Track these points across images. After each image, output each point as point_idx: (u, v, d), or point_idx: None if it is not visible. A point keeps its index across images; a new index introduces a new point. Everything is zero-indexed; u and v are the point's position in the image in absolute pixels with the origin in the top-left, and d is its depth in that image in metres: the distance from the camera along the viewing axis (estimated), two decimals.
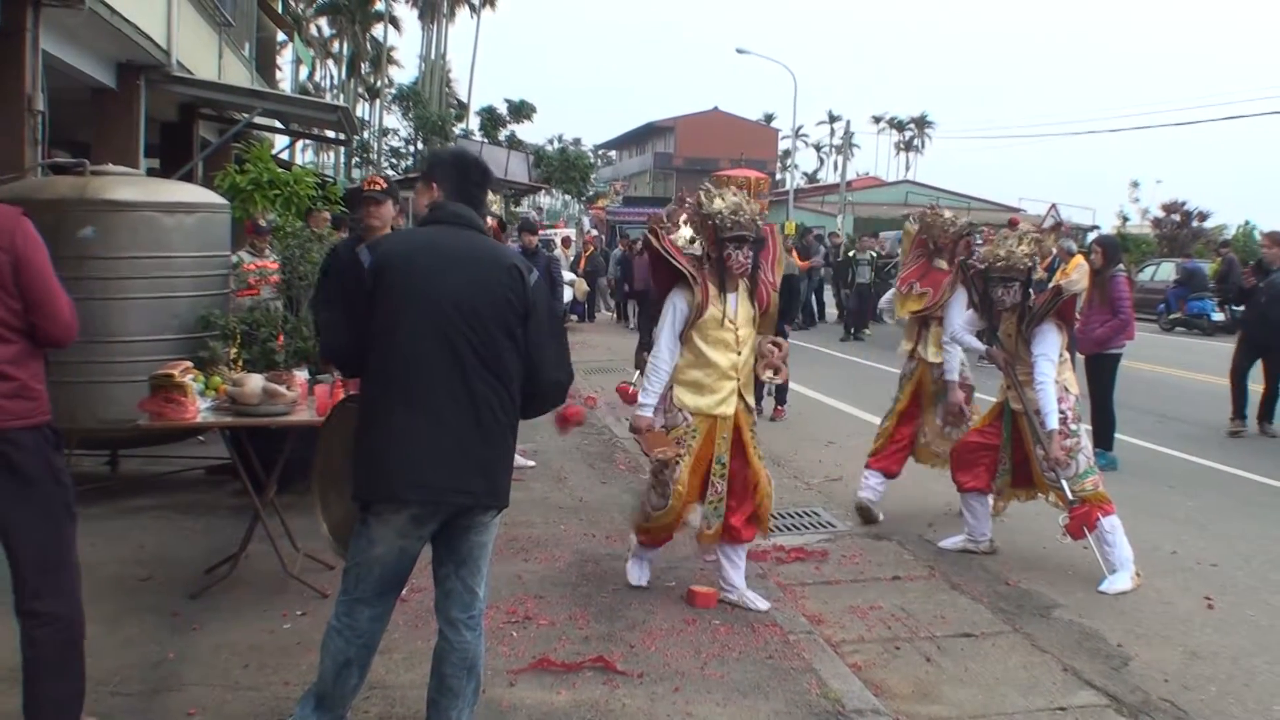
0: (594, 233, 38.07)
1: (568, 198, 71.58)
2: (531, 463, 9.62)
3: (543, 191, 61.12)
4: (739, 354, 6.20)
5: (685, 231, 10.66)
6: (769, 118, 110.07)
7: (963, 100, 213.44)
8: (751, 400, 6.39)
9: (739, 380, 6.23)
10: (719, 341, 6.17)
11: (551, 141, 79.89)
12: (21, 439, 3.85)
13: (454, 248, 4.03)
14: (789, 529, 8.19)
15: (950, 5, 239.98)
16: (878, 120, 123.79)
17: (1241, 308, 14.46)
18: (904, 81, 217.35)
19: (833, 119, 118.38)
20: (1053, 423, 7.02)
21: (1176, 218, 56.73)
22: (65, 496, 4.01)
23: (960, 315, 7.69)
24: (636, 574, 6.59)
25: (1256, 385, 12.99)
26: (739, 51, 56.38)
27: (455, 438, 3.89)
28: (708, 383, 6.19)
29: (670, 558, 7.05)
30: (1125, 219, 70.08)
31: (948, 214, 8.65)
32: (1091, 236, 13.00)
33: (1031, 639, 6.11)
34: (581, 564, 6.90)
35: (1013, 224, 7.78)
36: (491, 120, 67.70)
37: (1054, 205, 22.11)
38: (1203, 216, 56.91)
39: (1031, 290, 7.35)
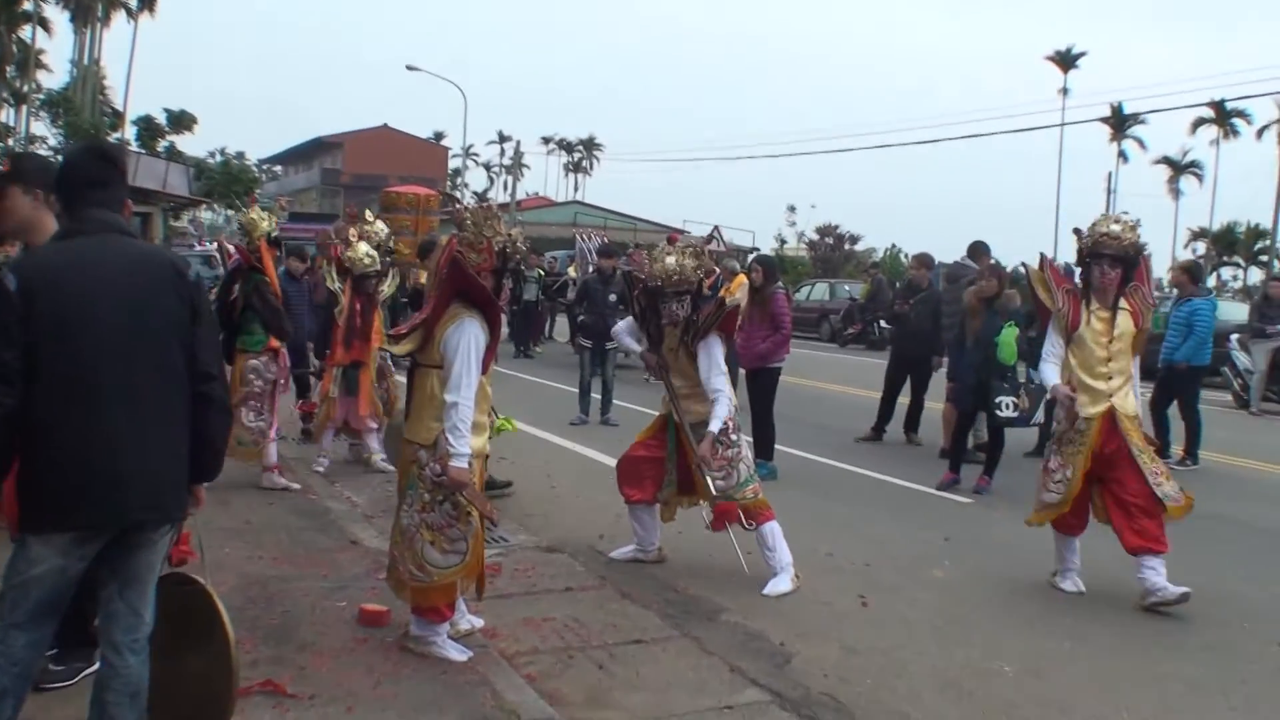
0: None
1: (230, 213, 69.09)
2: (297, 486, 9.31)
3: (204, 206, 58.97)
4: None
5: (363, 247, 10.58)
6: (439, 136, 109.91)
7: (629, 123, 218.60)
8: None
9: None
10: (489, 375, 5.80)
11: (214, 154, 77.04)
12: None
13: (108, 257, 3.82)
14: None
15: (616, 32, 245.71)
16: (547, 141, 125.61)
17: (890, 327, 15.51)
18: (573, 103, 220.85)
19: (503, 139, 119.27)
20: (716, 426, 7.26)
21: (830, 240, 59.98)
22: None
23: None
24: (458, 651, 5.74)
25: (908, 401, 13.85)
26: (409, 69, 56.06)
27: (134, 453, 3.72)
28: (481, 421, 5.72)
29: (340, 577, 6.92)
30: (783, 241, 73.67)
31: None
32: (752, 257, 13.77)
33: (700, 642, 6.28)
34: (247, 587, 6.65)
35: (671, 240, 7.82)
36: (149, 130, 64.56)
37: (717, 227, 22.82)
38: (854, 240, 60.41)
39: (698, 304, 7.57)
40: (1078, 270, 7.66)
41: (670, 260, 7.38)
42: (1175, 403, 12.98)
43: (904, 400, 13.97)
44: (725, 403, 7.31)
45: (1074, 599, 7.43)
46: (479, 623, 6.15)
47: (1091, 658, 6.38)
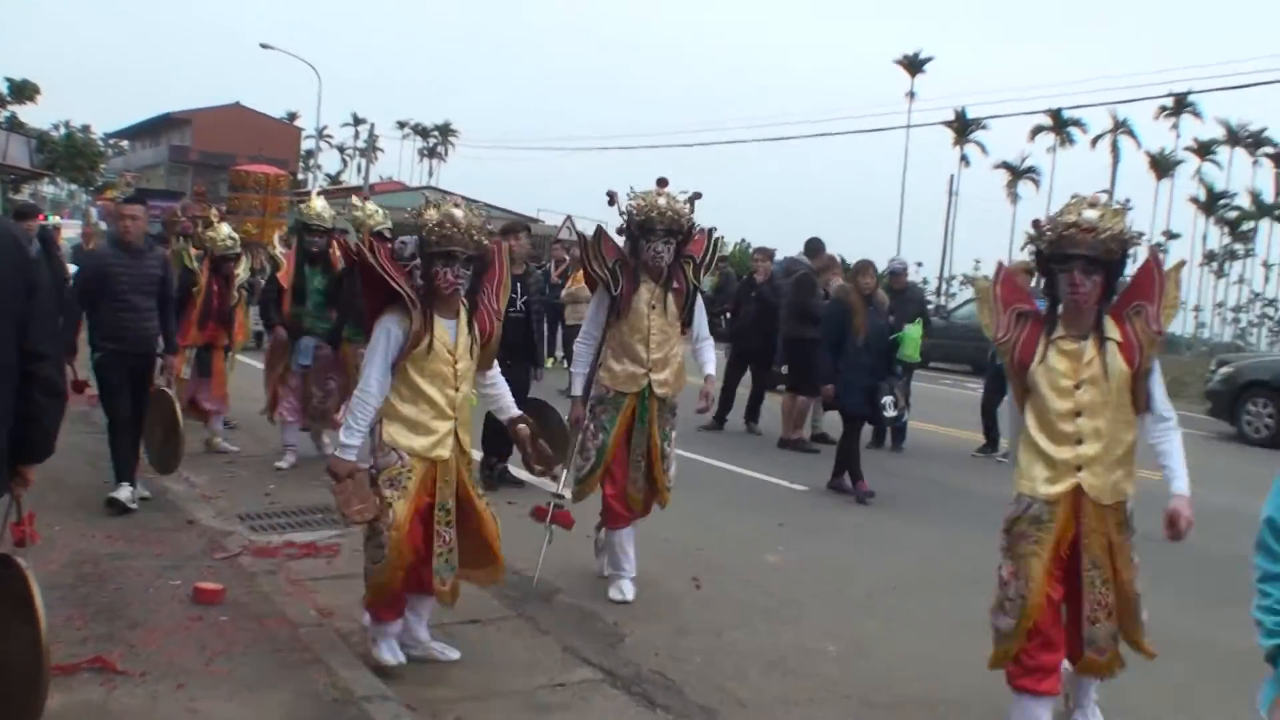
0: (103, 225, 35.90)
1: (74, 187, 67.04)
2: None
3: (46, 180, 57.21)
4: (457, 390, 5.55)
5: (225, 228, 10.51)
6: (292, 116, 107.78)
7: (485, 112, 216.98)
8: (467, 439, 5.71)
9: (457, 420, 5.56)
10: (435, 375, 5.47)
11: (58, 127, 74.59)
12: None
13: None
14: (301, 525, 8.18)
15: (477, 20, 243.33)
16: (402, 126, 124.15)
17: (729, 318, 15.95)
18: (429, 89, 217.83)
19: (357, 121, 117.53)
20: (712, 369, 7.64)
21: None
22: None
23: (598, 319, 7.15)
24: (389, 653, 5.57)
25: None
26: (263, 47, 54.95)
27: None
28: (423, 421, 5.46)
29: (175, 556, 6.89)
30: None
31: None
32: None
33: (535, 622, 6.42)
34: (79, 564, 6.58)
35: (661, 183, 7.22)
36: None
37: (569, 216, 22.99)
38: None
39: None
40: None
41: (661, 200, 6.95)
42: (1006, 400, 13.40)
43: (743, 391, 14.32)
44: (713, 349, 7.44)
45: (898, 578, 7.71)
46: (454, 654, 5.89)
47: (917, 638, 6.65)
